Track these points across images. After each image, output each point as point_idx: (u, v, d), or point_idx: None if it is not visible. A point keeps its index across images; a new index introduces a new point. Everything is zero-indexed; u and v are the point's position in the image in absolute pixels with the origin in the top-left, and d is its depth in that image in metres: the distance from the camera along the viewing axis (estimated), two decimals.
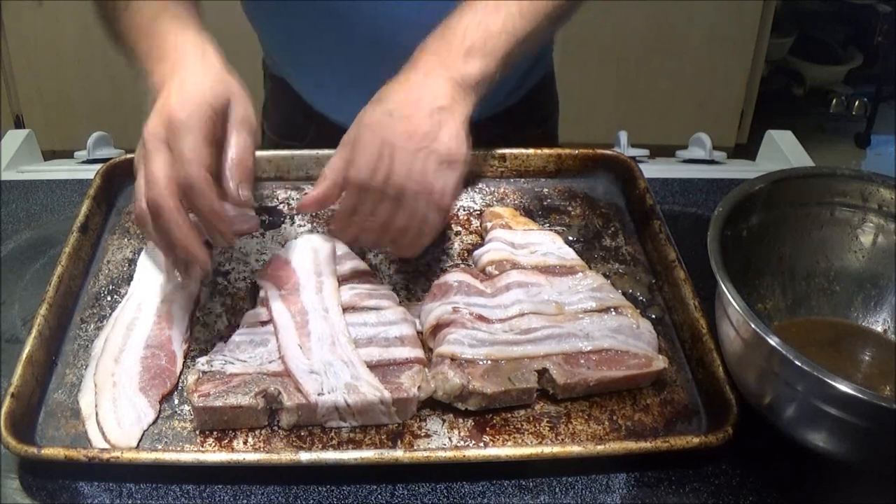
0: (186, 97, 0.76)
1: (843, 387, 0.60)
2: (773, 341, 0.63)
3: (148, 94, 0.82)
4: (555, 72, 1.25)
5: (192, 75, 0.79)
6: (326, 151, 1.01)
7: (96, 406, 0.73)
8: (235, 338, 0.78)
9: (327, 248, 0.87)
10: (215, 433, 0.72)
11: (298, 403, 0.72)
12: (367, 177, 0.79)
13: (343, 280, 0.84)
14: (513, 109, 1.14)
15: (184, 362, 0.78)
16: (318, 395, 0.72)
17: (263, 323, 0.80)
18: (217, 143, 0.77)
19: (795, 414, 0.66)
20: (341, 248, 0.88)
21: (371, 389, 0.72)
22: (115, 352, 0.77)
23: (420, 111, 0.81)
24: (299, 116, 1.16)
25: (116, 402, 0.73)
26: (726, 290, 0.67)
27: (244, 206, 0.79)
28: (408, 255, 0.86)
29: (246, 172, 0.78)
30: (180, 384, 0.76)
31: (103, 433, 0.71)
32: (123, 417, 0.72)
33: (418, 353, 0.77)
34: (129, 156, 1.01)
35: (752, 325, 0.64)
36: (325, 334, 0.77)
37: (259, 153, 1.01)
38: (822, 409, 0.62)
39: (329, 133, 1.11)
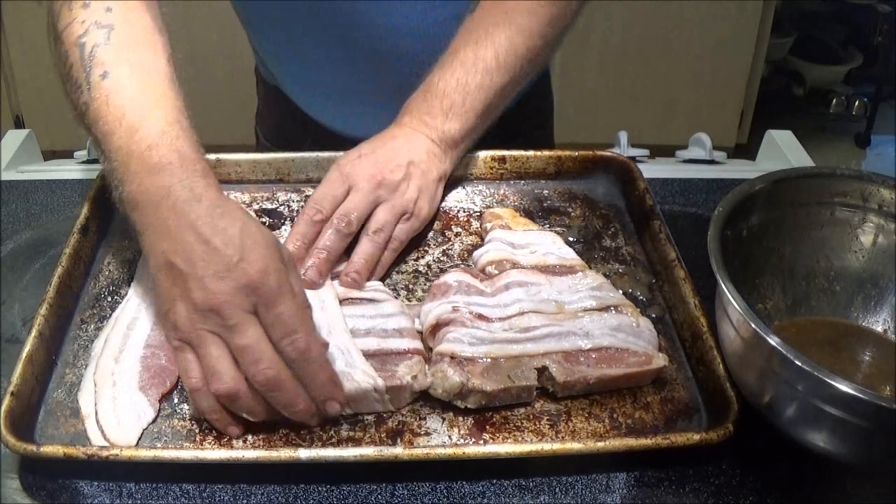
0: (257, 248, 0.68)
1: (844, 387, 0.60)
2: (773, 341, 0.63)
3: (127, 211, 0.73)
4: (551, 74, 1.25)
5: (231, 214, 0.70)
6: (326, 154, 1.02)
7: (96, 405, 0.73)
8: None
9: None
10: (214, 431, 0.72)
11: None
12: (319, 205, 0.84)
13: (337, 277, 0.84)
14: (507, 114, 1.13)
15: None
16: None
17: None
18: None
19: (795, 414, 0.66)
20: None
21: (364, 377, 0.73)
22: (114, 351, 0.77)
23: (391, 161, 0.87)
24: (293, 123, 1.16)
25: (116, 400, 0.73)
26: (726, 290, 0.67)
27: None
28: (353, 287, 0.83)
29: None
30: (180, 383, 0.76)
31: (103, 432, 0.71)
32: (123, 416, 0.72)
33: (417, 344, 0.77)
34: None
35: (753, 325, 0.64)
36: (321, 324, 0.78)
37: (259, 156, 1.01)
38: (822, 408, 0.62)
39: (323, 141, 1.12)
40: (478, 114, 0.91)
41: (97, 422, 0.72)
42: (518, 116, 1.15)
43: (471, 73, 0.90)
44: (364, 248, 0.84)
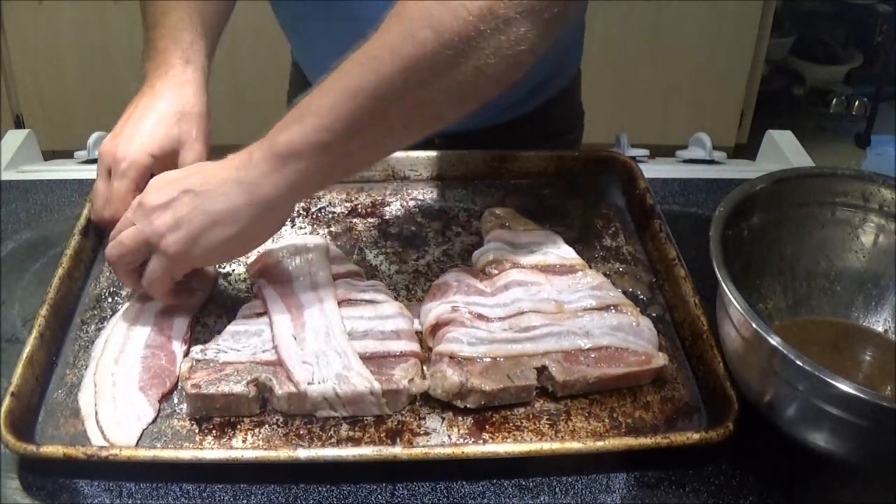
0: (135, 137, 0.83)
1: (844, 386, 0.60)
2: (774, 341, 0.63)
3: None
4: (581, 85, 1.21)
5: (159, 101, 0.84)
6: None
7: (96, 405, 0.73)
8: (230, 328, 0.79)
9: (321, 246, 0.87)
10: (214, 431, 0.72)
11: (289, 392, 0.72)
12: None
13: (337, 278, 0.84)
14: (526, 118, 1.11)
15: (183, 360, 0.78)
16: (309, 384, 0.72)
17: (259, 314, 0.81)
18: None
19: (796, 414, 0.66)
20: (334, 251, 0.88)
21: (361, 380, 0.73)
22: (115, 352, 0.77)
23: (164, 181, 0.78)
24: None
25: (116, 401, 0.73)
26: (727, 290, 0.67)
27: None
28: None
29: None
30: (180, 384, 0.76)
31: (102, 432, 0.71)
32: (123, 416, 0.72)
33: (414, 346, 0.77)
34: None
35: (754, 325, 0.64)
36: (319, 326, 0.78)
37: None
38: (822, 408, 0.62)
39: None
40: (327, 120, 0.70)
41: (97, 422, 0.72)
42: (537, 120, 1.13)
43: (331, 73, 0.71)
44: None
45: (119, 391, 0.74)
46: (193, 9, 0.89)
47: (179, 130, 0.84)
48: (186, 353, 0.79)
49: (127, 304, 0.83)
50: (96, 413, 0.73)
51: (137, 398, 0.74)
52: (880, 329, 0.81)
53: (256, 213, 0.73)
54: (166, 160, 0.84)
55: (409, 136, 0.73)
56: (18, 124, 2.72)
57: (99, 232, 0.92)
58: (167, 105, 0.84)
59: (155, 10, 0.89)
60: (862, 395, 0.60)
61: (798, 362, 0.62)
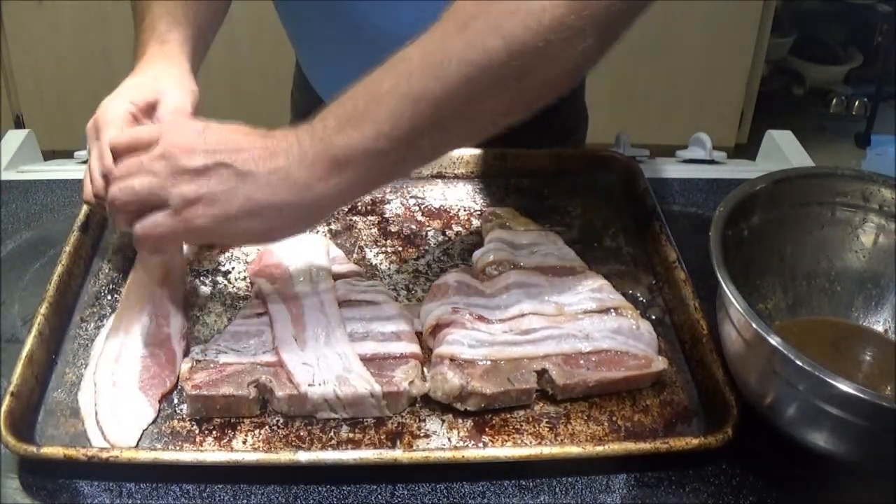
0: (114, 97, 0.83)
1: (844, 386, 0.60)
2: (774, 341, 0.63)
3: None
4: (585, 86, 1.21)
5: (134, 76, 0.85)
6: None
7: (96, 405, 0.73)
8: (230, 328, 0.79)
9: (321, 247, 0.87)
10: (214, 432, 0.72)
11: (289, 394, 0.72)
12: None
13: (337, 278, 0.84)
14: (531, 121, 1.10)
15: (183, 360, 0.78)
16: (309, 385, 0.72)
17: (259, 314, 0.80)
18: None
19: (796, 414, 0.66)
20: (335, 251, 0.88)
21: (362, 382, 0.73)
22: (115, 351, 0.77)
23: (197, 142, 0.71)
24: (314, 106, 1.16)
25: (116, 401, 0.73)
26: (727, 290, 0.67)
27: None
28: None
29: None
30: (180, 384, 0.76)
31: (103, 432, 0.71)
32: (123, 416, 0.72)
33: (414, 348, 0.77)
34: None
35: (754, 325, 0.64)
36: (320, 327, 0.78)
37: None
38: (823, 408, 0.62)
39: None
40: (384, 126, 0.67)
41: (97, 422, 0.72)
42: (538, 123, 1.13)
43: (381, 73, 0.69)
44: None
45: (119, 391, 0.74)
46: (176, 6, 0.89)
47: (158, 85, 0.84)
48: (186, 352, 0.79)
49: (122, 299, 0.82)
50: (96, 413, 0.73)
51: (138, 398, 0.74)
52: (880, 329, 0.81)
53: (302, 214, 0.71)
54: (149, 111, 0.83)
55: (462, 143, 0.72)
56: (18, 124, 2.72)
57: (99, 230, 0.92)
58: (142, 74, 0.85)
59: (139, 9, 0.91)
60: (862, 395, 0.60)
61: (798, 362, 0.62)
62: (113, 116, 0.81)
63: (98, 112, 0.82)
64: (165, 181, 0.70)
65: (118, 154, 0.75)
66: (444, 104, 0.66)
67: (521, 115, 0.71)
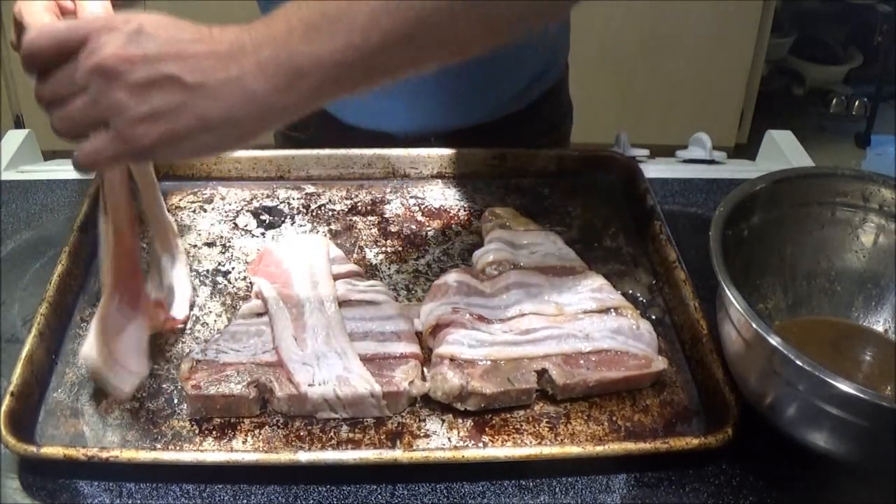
0: None
1: (844, 386, 0.60)
2: (774, 341, 0.63)
3: None
4: (569, 78, 1.24)
5: None
6: (327, 151, 1.02)
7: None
8: (230, 328, 0.79)
9: (321, 247, 0.87)
10: (214, 432, 0.72)
11: (289, 394, 0.72)
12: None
13: (337, 278, 0.84)
14: (523, 113, 1.12)
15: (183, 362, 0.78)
16: (309, 385, 0.72)
17: (259, 315, 0.81)
18: None
19: (796, 414, 0.66)
20: (335, 251, 0.88)
21: (362, 382, 0.73)
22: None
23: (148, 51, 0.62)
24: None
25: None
26: (727, 291, 0.67)
27: None
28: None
29: None
30: (180, 384, 0.75)
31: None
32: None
33: (414, 348, 0.77)
34: None
35: (754, 325, 0.64)
36: (319, 326, 0.78)
37: (259, 153, 1.01)
38: (823, 408, 0.62)
39: (328, 127, 1.12)
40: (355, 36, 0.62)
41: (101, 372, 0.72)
42: (531, 116, 1.14)
43: None
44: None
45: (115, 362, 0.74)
46: None
47: None
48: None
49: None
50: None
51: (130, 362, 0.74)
52: (880, 329, 0.81)
53: (257, 127, 0.64)
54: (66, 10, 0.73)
55: (434, 64, 0.68)
56: (18, 124, 2.72)
57: (97, 229, 0.92)
58: None
59: None
60: (862, 395, 0.60)
61: (798, 362, 0.62)
62: (32, 4, 0.70)
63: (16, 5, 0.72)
64: (104, 100, 0.62)
65: (40, 61, 0.66)
66: (422, 19, 0.62)
67: (494, 42, 0.67)
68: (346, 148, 1.03)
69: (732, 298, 0.66)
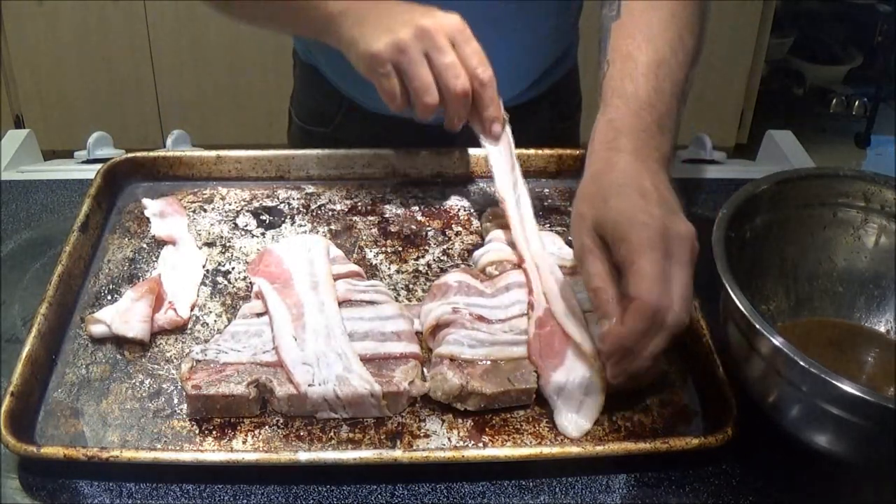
0: (434, 12, 0.85)
1: (847, 387, 0.60)
2: (777, 342, 0.63)
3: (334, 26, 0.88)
4: (579, 68, 1.25)
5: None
6: (327, 151, 1.02)
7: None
8: (230, 328, 0.79)
9: (321, 247, 0.87)
10: (214, 432, 0.72)
11: (289, 394, 0.72)
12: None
13: (337, 278, 0.84)
14: (535, 102, 1.14)
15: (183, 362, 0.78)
16: (309, 385, 0.72)
17: (259, 314, 0.80)
18: None
19: (799, 414, 0.66)
20: (335, 251, 0.88)
21: (362, 382, 0.73)
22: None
23: (661, 208, 0.70)
24: (327, 103, 1.16)
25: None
26: (731, 292, 0.67)
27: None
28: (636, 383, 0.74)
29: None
30: (180, 384, 0.75)
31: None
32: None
33: (414, 348, 0.77)
34: (129, 155, 1.01)
35: (757, 326, 0.64)
36: (319, 327, 0.78)
37: (259, 153, 1.01)
38: (825, 409, 0.62)
39: (355, 118, 1.12)
40: (675, 121, 0.81)
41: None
42: (546, 103, 1.16)
43: (661, 78, 0.80)
44: None
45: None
46: None
47: None
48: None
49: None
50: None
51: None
52: (882, 330, 0.80)
53: None
54: None
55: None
56: (18, 124, 2.73)
57: (99, 230, 0.92)
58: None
59: None
60: (865, 396, 0.60)
61: (801, 363, 0.61)
62: (465, 27, 0.85)
63: (436, 21, 0.84)
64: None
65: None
66: None
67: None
68: (367, 140, 1.03)
69: (736, 300, 0.66)
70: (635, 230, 0.67)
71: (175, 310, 0.82)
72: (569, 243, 0.91)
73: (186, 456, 0.69)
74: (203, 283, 0.87)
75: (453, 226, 0.96)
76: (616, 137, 0.77)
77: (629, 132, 0.77)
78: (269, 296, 0.81)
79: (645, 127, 0.77)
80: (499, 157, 0.90)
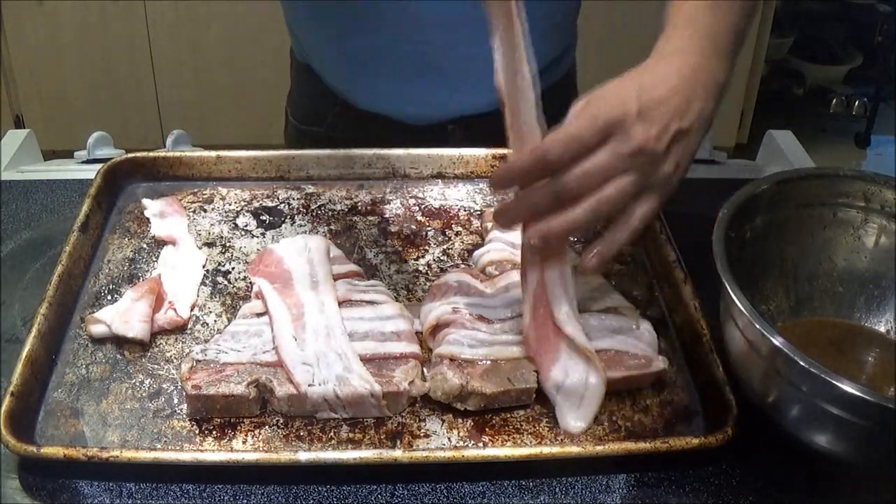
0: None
1: (847, 387, 0.60)
2: (777, 342, 0.63)
3: None
4: (577, 71, 1.24)
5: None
6: (326, 151, 1.02)
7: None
8: (230, 328, 0.79)
9: (321, 247, 0.87)
10: (214, 432, 0.72)
11: (289, 394, 0.72)
12: (558, 147, 0.68)
13: (337, 278, 0.84)
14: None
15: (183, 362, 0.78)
16: (309, 385, 0.72)
17: (259, 314, 0.80)
18: None
19: (799, 414, 0.66)
20: (335, 251, 0.88)
21: (361, 382, 0.73)
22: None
23: (660, 121, 0.70)
24: (321, 102, 1.16)
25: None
26: (731, 292, 0.67)
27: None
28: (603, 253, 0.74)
29: None
30: (180, 384, 0.75)
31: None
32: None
33: (414, 348, 0.77)
34: (129, 155, 1.02)
35: (757, 326, 0.64)
36: (319, 327, 0.78)
37: (259, 153, 1.01)
38: (825, 409, 0.62)
39: (348, 116, 1.12)
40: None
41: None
42: (543, 104, 1.15)
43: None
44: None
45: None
46: None
47: None
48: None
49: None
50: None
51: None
52: (882, 330, 0.80)
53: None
54: None
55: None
56: (18, 124, 2.73)
57: (99, 230, 0.92)
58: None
59: None
60: (865, 396, 0.60)
61: (801, 363, 0.61)
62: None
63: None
64: (650, 173, 0.70)
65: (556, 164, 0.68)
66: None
67: None
68: (360, 140, 1.03)
69: (736, 300, 0.66)
70: (589, 100, 0.73)
71: (175, 310, 0.82)
72: (568, 244, 0.91)
73: (186, 456, 0.69)
74: (203, 283, 0.87)
75: (453, 226, 0.96)
76: (668, 24, 0.82)
77: (673, 21, 0.82)
78: (269, 296, 0.81)
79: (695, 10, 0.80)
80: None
